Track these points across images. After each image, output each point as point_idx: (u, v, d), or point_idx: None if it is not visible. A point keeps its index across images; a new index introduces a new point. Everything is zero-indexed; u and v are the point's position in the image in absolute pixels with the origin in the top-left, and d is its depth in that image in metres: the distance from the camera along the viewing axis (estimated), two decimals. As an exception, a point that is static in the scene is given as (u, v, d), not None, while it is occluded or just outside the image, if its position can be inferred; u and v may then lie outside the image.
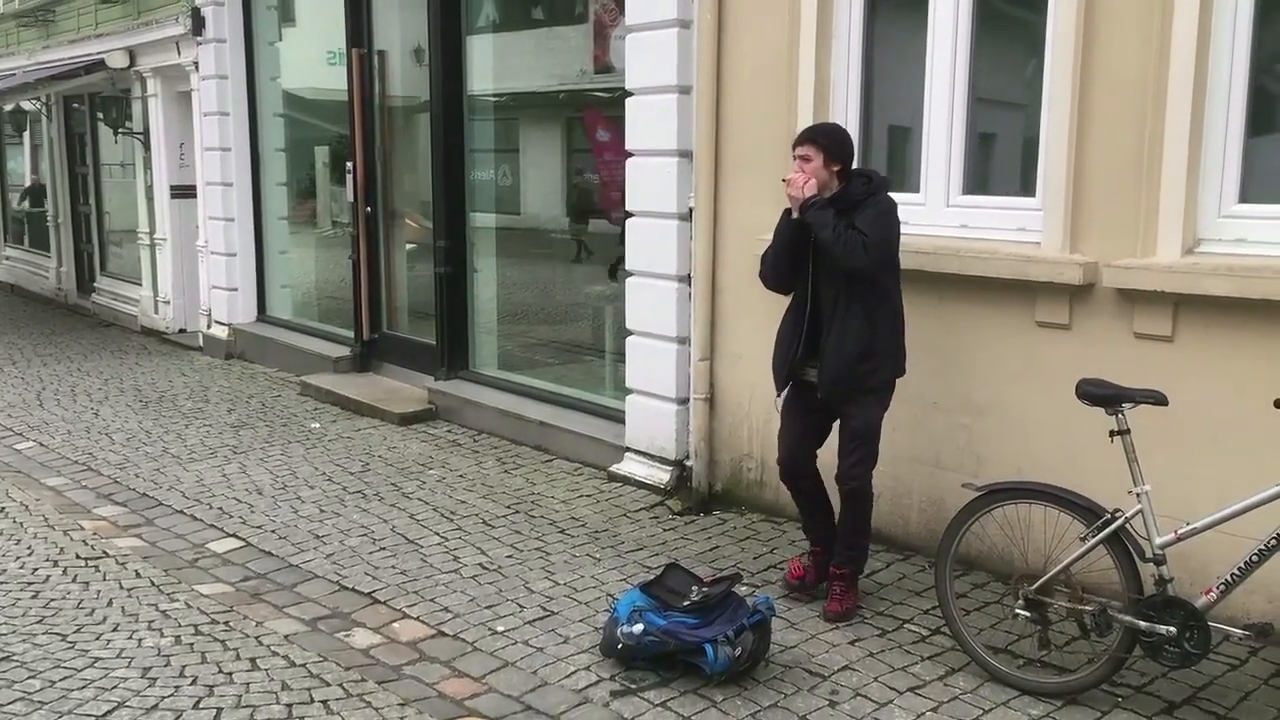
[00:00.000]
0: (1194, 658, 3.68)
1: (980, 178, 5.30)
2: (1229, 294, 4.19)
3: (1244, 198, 4.34)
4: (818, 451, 4.80)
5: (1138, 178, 4.45)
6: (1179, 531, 3.68)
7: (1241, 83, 4.28)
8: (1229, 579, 3.62)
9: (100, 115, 13.18)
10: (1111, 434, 3.75)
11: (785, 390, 4.76)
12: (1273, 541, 3.53)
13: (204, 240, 11.30)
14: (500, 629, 4.59)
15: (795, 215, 4.50)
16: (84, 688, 4.10)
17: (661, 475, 6.30)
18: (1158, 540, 3.72)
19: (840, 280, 4.45)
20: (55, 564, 5.37)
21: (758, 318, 5.59)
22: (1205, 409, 4.29)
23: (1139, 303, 4.47)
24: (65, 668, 4.26)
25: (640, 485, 6.37)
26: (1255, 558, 3.57)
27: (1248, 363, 4.20)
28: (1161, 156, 4.37)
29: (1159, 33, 4.34)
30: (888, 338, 4.57)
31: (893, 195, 4.63)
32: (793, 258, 4.58)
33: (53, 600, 4.93)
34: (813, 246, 4.50)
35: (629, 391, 6.57)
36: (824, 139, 4.58)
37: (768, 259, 4.72)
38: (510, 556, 5.40)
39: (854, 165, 4.67)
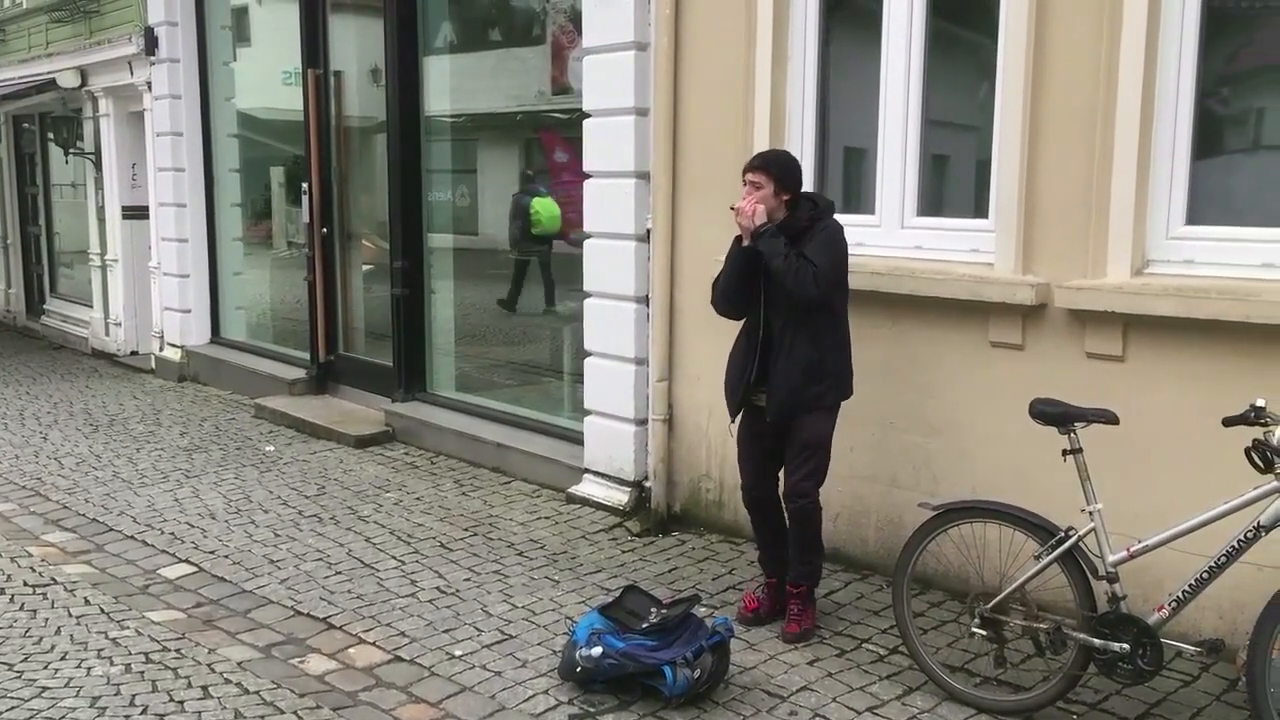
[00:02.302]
0: (1147, 674, 3.72)
1: (934, 199, 5.36)
2: (1177, 314, 4.26)
3: (1191, 220, 4.42)
4: (779, 477, 4.80)
5: (1088, 200, 4.52)
6: (1131, 549, 3.73)
7: (1188, 107, 4.37)
8: (1181, 596, 3.67)
9: (51, 135, 13.04)
10: (1064, 453, 3.79)
11: (739, 416, 4.77)
12: (1223, 558, 3.58)
13: (156, 261, 11.17)
14: (458, 653, 4.55)
15: (746, 243, 4.52)
16: (31, 718, 4.02)
17: (620, 496, 6.29)
18: (1110, 558, 3.76)
19: (790, 306, 4.47)
20: (2, 591, 5.27)
21: (716, 338, 5.59)
22: (1156, 427, 4.35)
23: (1090, 323, 4.54)
24: (12, 698, 4.17)
25: (599, 506, 6.35)
26: (1206, 574, 3.61)
27: (1197, 381, 4.27)
28: (1110, 179, 4.44)
29: (1107, 59, 4.42)
30: (836, 361, 4.60)
31: (847, 217, 4.69)
32: (745, 284, 4.59)
33: (-1, 629, 4.85)
34: (763, 272, 4.52)
35: (587, 413, 6.56)
36: (776, 168, 4.58)
37: (719, 286, 4.72)
38: (468, 579, 5.37)
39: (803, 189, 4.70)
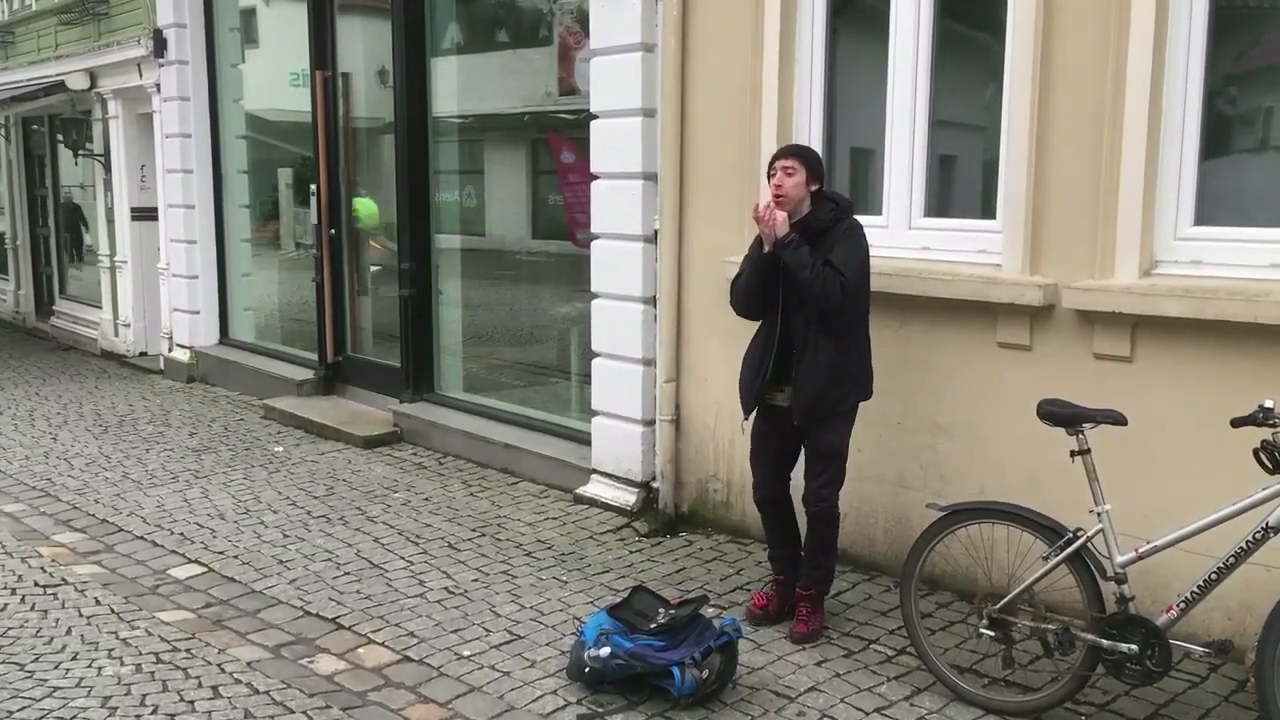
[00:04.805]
0: (1156, 675, 3.72)
1: (942, 200, 5.36)
2: (1185, 315, 4.25)
3: (1199, 220, 4.42)
4: (790, 474, 4.81)
5: (1096, 201, 4.52)
6: (1139, 550, 3.73)
7: (1196, 107, 4.37)
8: (1189, 597, 3.66)
9: (60, 137, 13.09)
10: (1072, 454, 3.79)
11: (753, 414, 4.77)
12: (1231, 559, 3.57)
13: (165, 262, 11.21)
14: (466, 653, 4.56)
15: (768, 249, 4.52)
16: (43, 718, 4.03)
17: (627, 497, 6.30)
18: (1119, 559, 3.76)
19: (812, 307, 4.47)
20: (13, 592, 5.29)
21: (723, 339, 5.62)
22: (1164, 429, 4.35)
23: (1098, 324, 4.54)
24: (23, 698, 4.19)
25: (606, 507, 6.36)
26: (1214, 575, 3.61)
27: (1205, 382, 4.26)
28: (1118, 180, 4.44)
29: (1114, 59, 4.41)
30: (858, 362, 4.61)
31: (857, 219, 4.67)
32: (765, 287, 4.60)
33: (10, 629, 4.85)
34: (783, 273, 4.52)
35: (595, 413, 6.57)
36: (808, 156, 4.63)
37: (739, 287, 4.72)
38: (476, 580, 5.38)
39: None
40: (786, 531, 4.84)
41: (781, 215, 4.47)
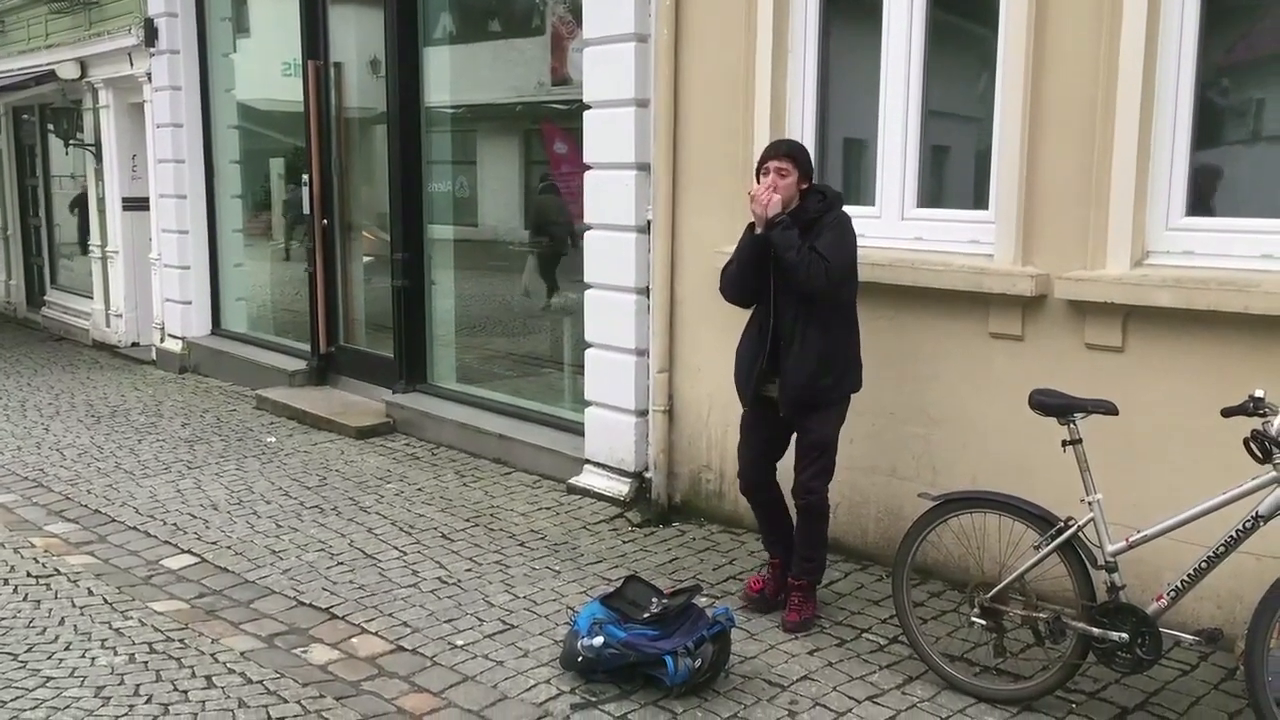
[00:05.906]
0: (1146, 663, 3.74)
1: (934, 191, 5.37)
2: (1177, 305, 4.26)
3: (1191, 211, 4.43)
4: (777, 464, 4.82)
5: (1088, 191, 4.52)
6: (1130, 539, 3.74)
7: (1187, 98, 4.37)
8: (1179, 585, 3.68)
9: (50, 127, 13.03)
10: (1064, 443, 3.81)
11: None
12: (1221, 548, 3.59)
13: (157, 253, 11.18)
14: (460, 643, 4.57)
15: (760, 231, 4.53)
16: (36, 708, 4.04)
17: (620, 487, 6.31)
18: (1109, 548, 3.77)
19: (800, 296, 4.49)
20: (6, 582, 5.28)
21: (716, 329, 5.63)
22: (1155, 418, 4.37)
23: (1090, 314, 4.55)
24: (17, 688, 4.20)
25: (599, 497, 6.37)
26: (1204, 564, 3.63)
27: (1196, 372, 4.28)
28: (1110, 170, 4.45)
29: (1107, 49, 4.42)
30: (846, 352, 4.62)
31: (847, 209, 4.67)
32: (756, 272, 4.60)
33: (3, 619, 4.85)
34: (774, 262, 4.53)
35: (588, 404, 6.58)
36: (801, 155, 4.63)
37: (729, 273, 4.73)
38: (469, 570, 5.38)
39: None
40: (776, 518, 4.86)
41: (776, 197, 4.48)
